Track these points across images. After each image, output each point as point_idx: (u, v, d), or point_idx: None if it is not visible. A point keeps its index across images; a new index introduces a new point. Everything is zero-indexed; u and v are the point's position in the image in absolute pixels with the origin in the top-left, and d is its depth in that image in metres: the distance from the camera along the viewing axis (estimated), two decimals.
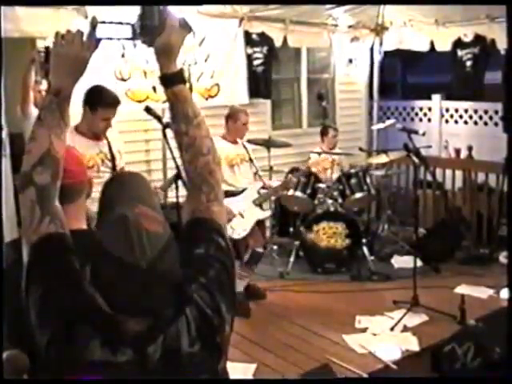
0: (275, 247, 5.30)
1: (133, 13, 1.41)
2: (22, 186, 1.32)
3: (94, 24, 1.37)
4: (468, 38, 6.22)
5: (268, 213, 4.64)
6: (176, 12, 1.40)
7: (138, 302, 1.12)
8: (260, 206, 4.53)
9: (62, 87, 1.37)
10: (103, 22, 1.38)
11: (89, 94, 3.40)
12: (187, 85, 1.43)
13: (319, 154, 5.61)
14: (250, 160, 4.61)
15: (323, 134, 5.78)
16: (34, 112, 3.57)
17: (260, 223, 4.59)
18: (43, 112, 1.37)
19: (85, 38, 1.38)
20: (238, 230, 4.38)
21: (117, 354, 1.13)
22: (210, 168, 1.40)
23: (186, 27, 1.41)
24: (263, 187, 4.65)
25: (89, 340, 1.13)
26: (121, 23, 1.39)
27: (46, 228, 1.27)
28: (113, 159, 3.51)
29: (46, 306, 1.19)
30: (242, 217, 4.44)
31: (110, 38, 1.39)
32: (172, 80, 1.40)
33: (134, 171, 1.58)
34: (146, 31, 1.37)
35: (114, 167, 3.50)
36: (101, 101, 3.39)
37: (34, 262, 1.25)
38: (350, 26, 6.70)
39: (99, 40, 1.38)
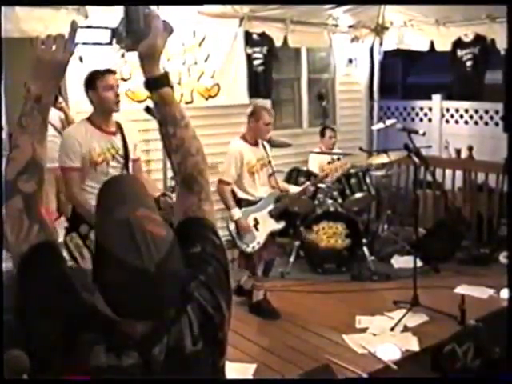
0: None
1: (118, 17, 1.38)
2: (7, 195, 1.28)
3: (74, 28, 1.34)
4: (468, 38, 6.22)
5: (282, 224, 4.37)
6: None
7: (146, 305, 1.12)
8: (275, 216, 4.31)
9: (42, 93, 1.34)
10: (82, 27, 1.35)
11: (85, 81, 3.21)
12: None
13: (319, 153, 5.60)
14: (269, 162, 4.32)
15: (322, 134, 5.78)
16: None
17: (273, 233, 4.36)
18: (24, 118, 1.33)
19: (65, 42, 1.34)
20: (251, 244, 4.17)
21: (122, 358, 1.13)
22: (200, 168, 1.41)
23: (168, 29, 1.40)
24: (280, 190, 4.43)
25: (91, 346, 1.13)
26: (100, 27, 1.36)
27: (35, 237, 1.25)
28: (126, 156, 3.16)
29: (43, 316, 1.18)
30: (257, 230, 4.21)
31: (87, 43, 1.35)
32: (158, 83, 1.39)
33: (129, 173, 1.56)
34: (131, 35, 1.35)
35: (126, 164, 3.14)
36: (94, 73, 3.17)
37: (26, 273, 1.23)
38: (350, 26, 6.71)
39: (75, 45, 1.35)
